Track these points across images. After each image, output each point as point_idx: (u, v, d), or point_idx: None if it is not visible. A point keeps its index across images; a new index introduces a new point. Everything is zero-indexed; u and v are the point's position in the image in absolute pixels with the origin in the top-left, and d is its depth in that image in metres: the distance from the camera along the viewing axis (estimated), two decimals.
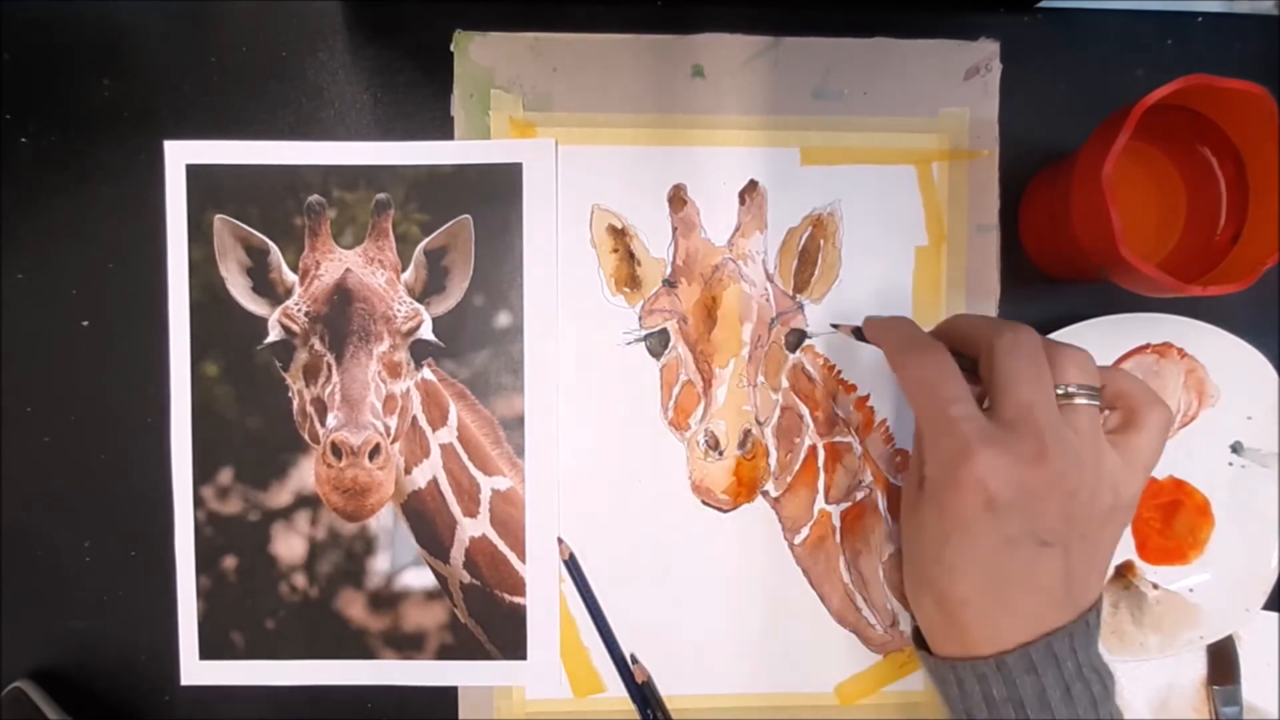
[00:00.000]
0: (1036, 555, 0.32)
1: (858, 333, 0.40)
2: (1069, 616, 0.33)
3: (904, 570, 0.37)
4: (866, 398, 0.44)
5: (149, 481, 0.43)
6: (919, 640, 0.37)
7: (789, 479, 0.44)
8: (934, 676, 0.35)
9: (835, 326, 0.42)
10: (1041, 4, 0.44)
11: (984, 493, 0.31)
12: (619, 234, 0.44)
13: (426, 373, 0.43)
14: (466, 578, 0.44)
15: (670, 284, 0.44)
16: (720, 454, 0.44)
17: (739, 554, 0.44)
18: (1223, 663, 0.46)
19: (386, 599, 0.44)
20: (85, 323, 0.44)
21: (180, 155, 0.43)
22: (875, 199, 0.44)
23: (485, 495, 0.44)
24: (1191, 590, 0.45)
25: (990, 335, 0.34)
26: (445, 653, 0.44)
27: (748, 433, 0.44)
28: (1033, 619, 0.32)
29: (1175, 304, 0.43)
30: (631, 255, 0.44)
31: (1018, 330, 0.33)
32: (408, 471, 0.44)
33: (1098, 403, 0.33)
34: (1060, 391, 0.33)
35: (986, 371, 0.33)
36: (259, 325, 0.43)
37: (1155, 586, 0.45)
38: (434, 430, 0.44)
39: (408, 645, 0.44)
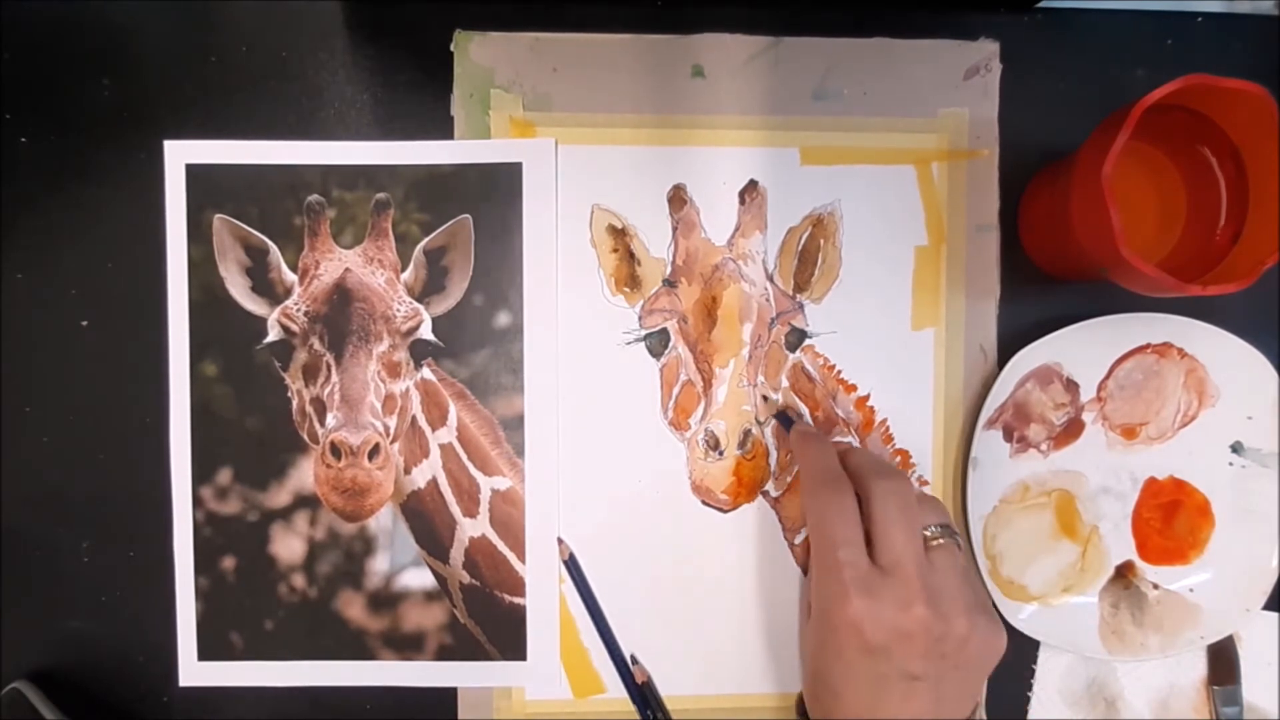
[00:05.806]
0: (910, 689, 0.35)
1: (784, 419, 0.43)
2: None
3: (802, 676, 0.41)
4: (866, 398, 0.44)
5: (148, 481, 0.43)
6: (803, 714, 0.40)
7: (789, 479, 0.44)
8: None
9: (780, 413, 0.44)
10: (1041, 4, 0.44)
11: (859, 636, 0.35)
12: (619, 234, 0.44)
13: (426, 372, 0.43)
14: (466, 578, 0.44)
15: (670, 284, 0.44)
16: (720, 454, 0.44)
17: (739, 554, 0.44)
18: (1223, 663, 0.46)
19: (386, 599, 0.44)
20: (85, 323, 0.43)
21: (180, 155, 0.43)
22: (875, 199, 0.44)
23: (485, 495, 0.44)
24: (1191, 590, 0.45)
25: (870, 479, 0.37)
26: (445, 653, 0.44)
27: (748, 433, 0.44)
28: None
29: (1175, 304, 0.43)
30: (631, 255, 0.44)
31: (893, 479, 0.37)
32: (407, 471, 0.43)
33: (956, 539, 0.37)
34: (926, 534, 0.37)
35: (866, 511, 0.37)
36: (258, 325, 0.43)
37: (1155, 586, 0.45)
38: (433, 430, 0.43)
39: (407, 646, 0.44)
